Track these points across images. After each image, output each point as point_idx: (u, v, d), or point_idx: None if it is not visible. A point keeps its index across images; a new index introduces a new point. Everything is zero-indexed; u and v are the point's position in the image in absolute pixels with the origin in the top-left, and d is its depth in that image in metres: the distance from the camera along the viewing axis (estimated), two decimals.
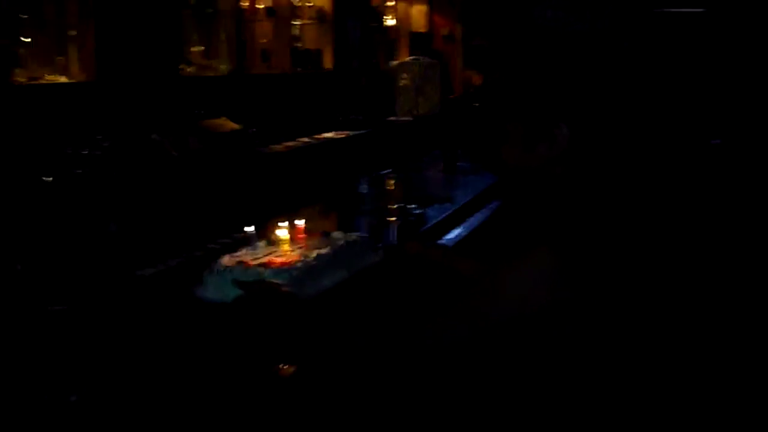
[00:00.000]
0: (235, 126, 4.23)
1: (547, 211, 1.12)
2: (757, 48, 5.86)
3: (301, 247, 1.78)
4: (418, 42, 6.23)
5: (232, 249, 1.93)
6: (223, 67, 4.31)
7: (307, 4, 5.01)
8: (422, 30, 6.69)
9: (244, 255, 1.72)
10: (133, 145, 3.53)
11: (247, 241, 1.84)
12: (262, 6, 4.56)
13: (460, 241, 2.32)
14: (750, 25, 6.13)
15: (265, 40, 4.68)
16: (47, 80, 3.28)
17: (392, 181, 2.91)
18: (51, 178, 3.10)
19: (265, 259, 1.67)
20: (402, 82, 5.93)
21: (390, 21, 6.34)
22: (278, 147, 4.42)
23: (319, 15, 5.10)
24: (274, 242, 1.82)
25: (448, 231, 2.40)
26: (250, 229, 1.76)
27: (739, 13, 6.19)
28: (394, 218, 2.39)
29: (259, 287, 1.32)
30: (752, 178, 4.07)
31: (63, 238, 2.63)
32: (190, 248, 2.09)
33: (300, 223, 1.85)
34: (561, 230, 1.08)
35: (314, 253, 1.68)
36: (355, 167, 4.32)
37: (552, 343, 1.09)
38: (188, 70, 4.13)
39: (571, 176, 1.13)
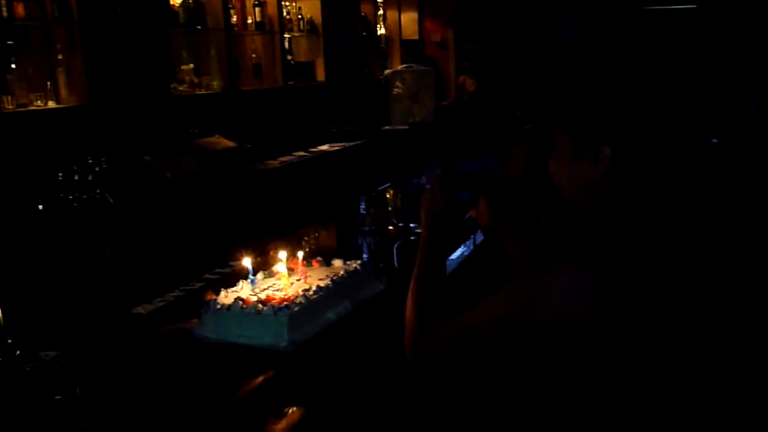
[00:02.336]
0: (229, 143, 4.17)
1: (593, 232, 1.10)
2: (750, 44, 5.83)
3: (299, 279, 1.73)
4: (410, 49, 6.20)
5: (230, 280, 1.88)
6: (215, 84, 4.26)
7: (297, 16, 4.96)
8: (414, 37, 6.65)
9: (242, 290, 1.66)
10: (126, 169, 3.47)
11: (245, 273, 1.78)
12: (251, 20, 4.52)
13: (464, 261, 2.27)
14: (742, 21, 6.10)
15: (255, 55, 4.64)
16: (36, 106, 3.22)
17: (391, 198, 2.86)
18: (42, 206, 3.05)
19: (263, 295, 1.61)
20: (396, 91, 5.88)
21: (381, 30, 6.30)
22: (273, 162, 4.37)
23: (310, 27, 5.06)
24: (272, 274, 1.76)
25: (452, 251, 2.35)
26: (247, 261, 1.70)
27: (731, 9, 6.16)
28: (394, 239, 2.33)
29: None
30: (751, 177, 4.03)
31: (56, 268, 2.57)
32: (187, 278, 2.04)
33: (299, 254, 1.79)
34: (606, 256, 1.05)
35: (314, 287, 1.63)
36: (353, 180, 4.26)
37: (574, 367, 1.07)
38: (180, 89, 4.08)
39: (617, 197, 1.10)
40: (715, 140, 4.55)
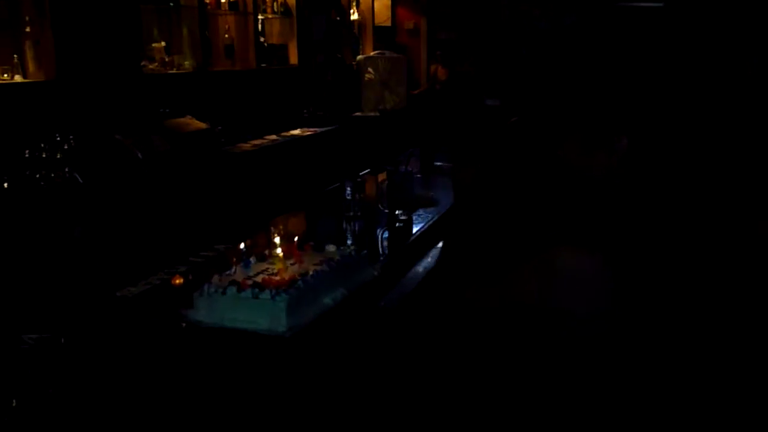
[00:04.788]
0: (201, 125, 4.08)
1: (603, 219, 1.10)
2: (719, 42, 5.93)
3: (294, 263, 1.69)
4: (383, 36, 6.16)
5: (218, 263, 1.83)
6: (187, 64, 4.15)
7: None
8: (386, 24, 6.61)
9: (236, 274, 1.61)
10: (96, 147, 3.36)
11: (235, 255, 1.73)
12: (224, 0, 4.41)
13: (455, 251, 2.26)
14: (710, 19, 6.20)
15: (228, 36, 4.53)
16: (2, 80, 3.09)
17: (373, 184, 2.83)
18: (7, 184, 2.93)
19: (259, 278, 1.57)
20: (367, 77, 5.84)
21: (354, 15, 6.24)
22: (246, 146, 4.29)
23: (284, 9, 4.97)
24: (266, 258, 1.72)
25: (439, 238, 2.33)
26: (242, 245, 1.65)
27: (698, 7, 6.27)
28: (380, 225, 2.31)
29: None
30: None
31: (26, 248, 2.48)
32: (170, 261, 1.97)
33: (293, 236, 1.75)
34: (619, 241, 1.06)
35: (311, 271, 1.59)
36: (331, 167, 4.22)
37: (585, 347, 1.07)
38: (150, 67, 3.96)
39: (629, 188, 1.11)
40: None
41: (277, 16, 4.95)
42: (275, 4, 4.90)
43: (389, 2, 6.79)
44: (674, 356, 1.09)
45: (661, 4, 6.62)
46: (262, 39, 4.81)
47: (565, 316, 1.08)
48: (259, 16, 4.73)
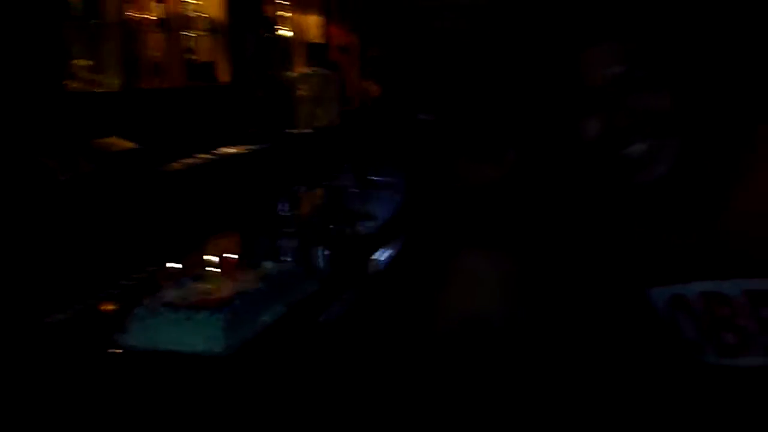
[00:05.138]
0: (129, 144, 3.96)
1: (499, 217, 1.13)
2: None
3: (230, 282, 1.65)
4: (315, 53, 6.15)
5: (151, 285, 1.77)
6: (112, 82, 4.03)
7: (201, 14, 4.80)
8: (318, 41, 6.61)
9: (171, 294, 1.56)
10: (15, 169, 3.22)
11: (167, 276, 1.68)
12: (152, 17, 4.32)
13: (392, 262, 2.26)
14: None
15: (156, 53, 4.43)
16: None
17: (308, 199, 2.81)
18: None
19: (194, 299, 1.53)
20: (300, 94, 5.82)
21: (285, 32, 6.22)
22: (176, 165, 4.20)
23: (213, 26, 4.91)
24: (200, 277, 1.67)
25: (377, 250, 2.33)
26: (174, 264, 1.61)
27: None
28: (318, 240, 2.29)
29: None
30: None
31: None
32: (100, 285, 1.90)
33: (227, 254, 1.71)
34: (518, 240, 1.08)
35: (249, 288, 1.56)
36: (263, 184, 4.16)
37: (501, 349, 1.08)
38: (74, 85, 3.83)
39: (519, 193, 1.14)
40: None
41: (206, 33, 4.88)
42: (204, 20, 4.83)
43: (321, 20, 6.81)
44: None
45: None
46: (191, 56, 4.73)
47: (482, 320, 1.08)
48: (188, 33, 4.65)
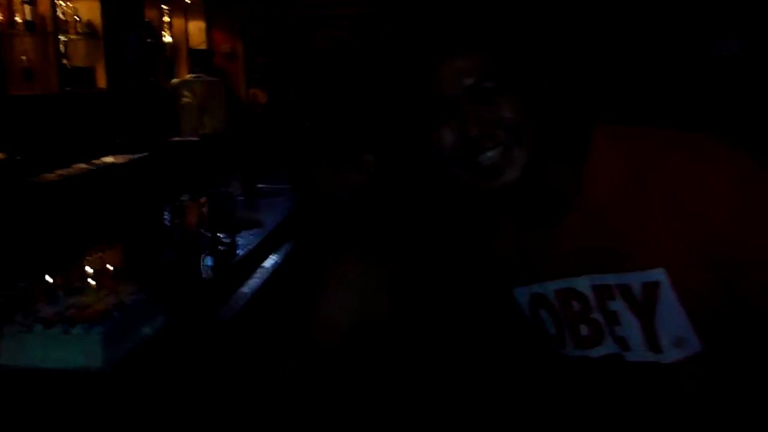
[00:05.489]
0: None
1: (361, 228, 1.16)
2: None
3: (108, 294, 1.60)
4: (198, 59, 6.02)
5: (23, 301, 1.69)
6: None
7: (74, 17, 4.59)
8: (202, 47, 6.48)
9: (44, 309, 1.50)
10: None
11: (41, 291, 1.61)
12: (20, 19, 4.09)
13: (277, 270, 2.26)
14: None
15: (26, 57, 4.20)
16: None
17: (194, 208, 2.76)
18: None
19: (69, 312, 1.47)
20: (184, 101, 5.68)
21: (167, 37, 6.06)
22: (51, 176, 3.99)
23: (89, 30, 4.71)
24: (75, 291, 1.62)
25: (264, 258, 2.32)
26: (47, 278, 1.54)
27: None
28: (203, 249, 2.26)
29: None
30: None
31: None
32: None
33: (105, 265, 1.66)
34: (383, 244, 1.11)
35: (128, 300, 1.53)
36: (148, 194, 4.03)
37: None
38: None
39: (379, 199, 1.17)
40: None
41: (81, 37, 4.68)
42: (79, 24, 4.63)
43: (204, 25, 6.68)
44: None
45: None
46: (65, 61, 4.51)
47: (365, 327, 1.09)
48: (61, 37, 4.43)
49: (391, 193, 1.17)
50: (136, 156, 4.74)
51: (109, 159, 4.58)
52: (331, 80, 1.31)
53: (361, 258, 1.08)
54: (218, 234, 2.32)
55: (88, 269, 1.63)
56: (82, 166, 4.32)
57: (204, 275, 2.06)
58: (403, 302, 1.10)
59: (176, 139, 5.50)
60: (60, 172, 4.08)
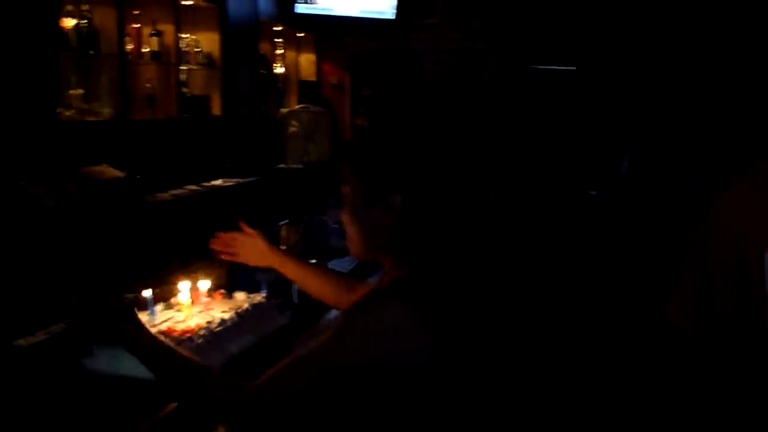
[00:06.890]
0: (118, 173, 4.00)
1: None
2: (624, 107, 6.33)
3: (201, 311, 1.68)
4: (307, 90, 6.25)
5: None
6: (105, 111, 4.10)
7: (195, 49, 4.90)
8: (311, 78, 6.72)
9: None
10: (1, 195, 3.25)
11: (142, 304, 1.70)
12: (147, 50, 4.41)
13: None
14: (617, 84, 6.63)
15: (150, 85, 4.52)
16: None
17: (289, 233, 2.84)
18: None
19: (164, 327, 1.55)
20: (291, 130, 5.89)
21: (279, 69, 6.33)
22: (164, 195, 4.23)
23: (208, 61, 5.00)
24: (172, 306, 1.70)
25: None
26: (146, 292, 1.63)
27: (608, 70, 6.70)
28: None
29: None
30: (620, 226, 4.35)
31: None
32: (73, 311, 1.91)
33: (201, 283, 1.74)
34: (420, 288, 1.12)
35: (218, 319, 1.59)
36: (250, 217, 4.19)
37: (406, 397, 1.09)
38: (67, 114, 3.89)
39: (408, 239, 1.17)
40: (593, 192, 4.87)
41: (200, 67, 4.98)
42: (199, 55, 4.93)
43: (314, 58, 6.93)
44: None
45: (574, 67, 7.04)
46: (184, 89, 4.81)
47: (387, 371, 1.08)
48: (182, 67, 4.73)
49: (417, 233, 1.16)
50: (244, 180, 4.95)
51: (218, 182, 4.81)
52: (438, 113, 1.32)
53: (399, 303, 1.08)
54: (311, 260, 2.37)
55: (184, 286, 1.70)
56: (193, 187, 4.56)
57: (294, 299, 2.11)
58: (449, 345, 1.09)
59: (282, 166, 5.71)
60: (173, 192, 4.33)
